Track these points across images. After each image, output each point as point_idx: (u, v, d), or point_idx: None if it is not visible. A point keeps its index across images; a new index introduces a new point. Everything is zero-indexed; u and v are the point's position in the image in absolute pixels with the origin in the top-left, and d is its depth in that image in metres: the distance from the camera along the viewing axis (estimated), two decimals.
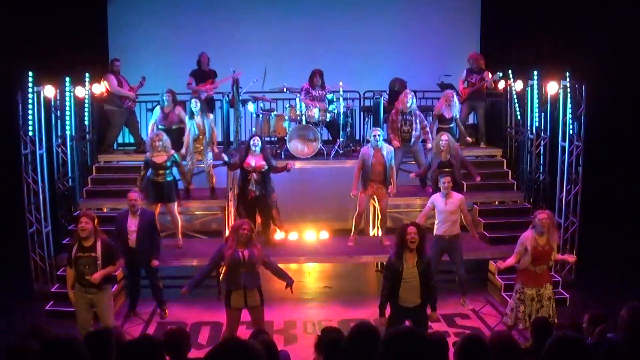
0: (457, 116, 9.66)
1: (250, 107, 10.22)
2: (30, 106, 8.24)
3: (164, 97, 9.28)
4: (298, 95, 9.88)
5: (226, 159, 8.43)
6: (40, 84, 8.42)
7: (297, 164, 9.49)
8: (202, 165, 9.24)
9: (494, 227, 9.07)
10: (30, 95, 8.24)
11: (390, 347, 2.77)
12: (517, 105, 9.95)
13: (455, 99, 9.57)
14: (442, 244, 7.75)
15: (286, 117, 9.78)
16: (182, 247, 8.72)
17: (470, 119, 10.77)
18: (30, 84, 8.23)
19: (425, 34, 11.91)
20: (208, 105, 9.81)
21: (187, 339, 4.49)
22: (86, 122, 9.81)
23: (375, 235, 9.47)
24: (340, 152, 9.86)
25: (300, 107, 9.67)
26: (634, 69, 10.67)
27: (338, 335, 4.02)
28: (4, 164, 9.37)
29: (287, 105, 10.39)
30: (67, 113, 9.17)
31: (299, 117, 9.63)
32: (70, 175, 9.28)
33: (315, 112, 9.61)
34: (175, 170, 8.52)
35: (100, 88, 9.96)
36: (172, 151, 8.41)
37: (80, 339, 3.05)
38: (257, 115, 9.98)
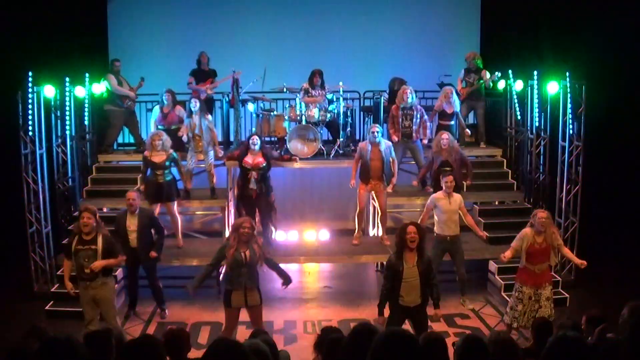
0: (459, 111, 9.64)
1: (250, 107, 10.23)
2: (30, 106, 8.25)
3: (164, 97, 9.28)
4: (298, 95, 9.89)
5: (221, 154, 8.48)
6: (40, 84, 8.43)
7: (297, 164, 9.50)
8: (203, 165, 9.25)
9: (494, 227, 9.07)
10: (30, 95, 8.24)
11: (380, 350, 2.78)
12: (517, 105, 9.95)
13: (455, 95, 9.57)
14: (444, 244, 7.74)
15: (286, 117, 9.79)
16: (182, 247, 8.72)
17: (470, 119, 10.77)
18: (30, 84, 8.23)
19: (425, 34, 11.91)
20: (208, 106, 9.82)
21: (187, 339, 4.49)
22: (86, 122, 9.81)
23: (376, 234, 9.46)
24: (340, 152, 9.86)
25: (300, 107, 9.68)
26: (634, 69, 10.67)
27: (338, 335, 4.02)
28: (4, 164, 9.37)
29: (287, 105, 10.40)
30: (67, 113, 9.17)
31: (299, 117, 9.63)
32: (70, 175, 9.28)
33: (315, 112, 9.61)
34: (175, 170, 8.53)
35: (100, 88, 9.97)
36: (171, 150, 8.41)
37: (78, 339, 3.04)
38: (257, 115, 9.98)
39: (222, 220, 9.67)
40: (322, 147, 9.62)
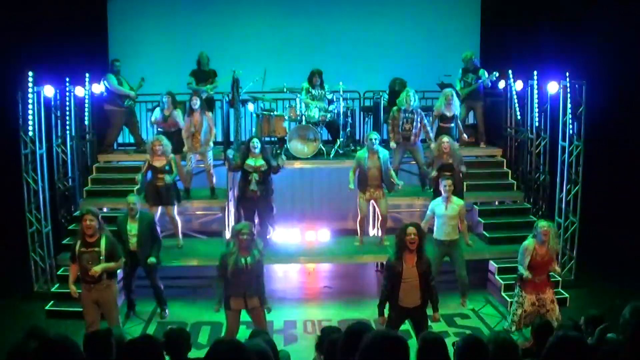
0: (458, 114, 9.64)
1: (250, 107, 10.23)
2: (30, 106, 8.25)
3: (164, 100, 9.26)
4: (298, 95, 9.89)
5: (230, 154, 8.45)
6: (40, 84, 8.43)
7: (297, 164, 9.50)
8: (203, 165, 9.25)
9: (494, 227, 9.07)
10: (30, 95, 8.24)
11: (366, 351, 2.79)
12: (517, 105, 9.95)
13: (455, 97, 9.57)
14: (442, 248, 7.74)
15: (286, 117, 9.79)
16: (182, 247, 8.73)
17: (469, 119, 10.77)
18: (30, 84, 8.23)
19: (425, 34, 11.90)
20: (208, 105, 9.82)
21: (187, 339, 4.49)
22: (86, 122, 9.81)
23: (376, 234, 9.47)
24: (340, 152, 9.86)
25: (300, 107, 9.68)
26: (634, 69, 10.67)
27: (338, 335, 4.01)
28: (4, 164, 9.37)
29: (287, 105, 10.40)
30: (67, 113, 9.17)
31: (299, 117, 9.63)
32: (70, 175, 9.29)
33: (315, 112, 9.61)
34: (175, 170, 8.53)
35: (100, 88, 9.96)
36: (171, 155, 8.40)
37: (74, 340, 3.04)
38: (257, 115, 9.98)
39: (222, 220, 9.67)
40: (322, 147, 9.62)
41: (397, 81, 10.25)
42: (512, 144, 10.22)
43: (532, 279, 6.59)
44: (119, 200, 8.75)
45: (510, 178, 9.93)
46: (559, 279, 8.38)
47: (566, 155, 9.01)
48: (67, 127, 9.18)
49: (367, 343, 2.83)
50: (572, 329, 4.33)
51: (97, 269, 6.16)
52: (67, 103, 9.16)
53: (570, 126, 8.93)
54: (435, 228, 7.78)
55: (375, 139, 8.39)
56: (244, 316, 6.36)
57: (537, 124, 9.47)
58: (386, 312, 6.18)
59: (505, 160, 10.21)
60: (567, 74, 8.90)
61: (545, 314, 6.56)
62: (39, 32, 10.43)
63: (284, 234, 9.48)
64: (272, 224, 8.74)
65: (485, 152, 10.47)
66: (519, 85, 9.85)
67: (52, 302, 7.90)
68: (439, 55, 11.46)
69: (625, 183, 10.93)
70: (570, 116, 8.90)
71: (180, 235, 8.78)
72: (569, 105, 8.88)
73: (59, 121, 9.03)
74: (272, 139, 10.05)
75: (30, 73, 8.24)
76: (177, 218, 8.72)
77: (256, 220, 8.46)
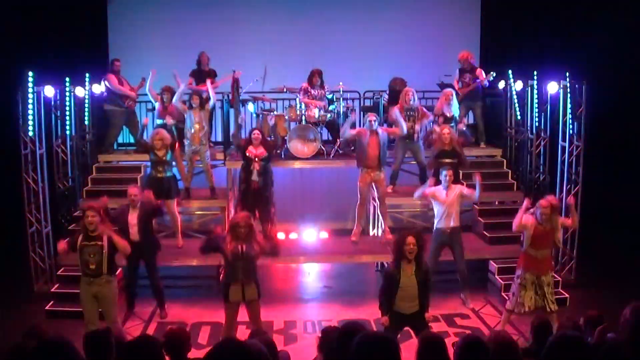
0: (457, 116, 9.65)
1: (250, 107, 10.23)
2: (30, 106, 8.25)
3: (163, 95, 9.29)
4: (298, 95, 9.89)
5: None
6: (40, 84, 8.42)
7: (297, 164, 9.50)
8: (201, 165, 9.25)
9: (494, 227, 9.08)
10: (30, 95, 8.24)
11: (356, 353, 2.79)
12: (517, 105, 9.95)
13: (454, 97, 9.58)
14: (442, 238, 7.76)
15: (286, 117, 9.79)
16: (182, 247, 8.72)
17: (469, 119, 10.76)
18: (30, 84, 8.23)
19: (425, 34, 11.90)
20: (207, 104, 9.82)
21: (187, 339, 4.49)
22: (86, 122, 9.81)
23: (376, 234, 9.47)
24: (340, 152, 9.87)
25: (300, 107, 9.68)
26: (633, 69, 10.67)
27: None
28: (4, 164, 9.37)
29: (287, 105, 10.40)
30: (67, 113, 9.17)
31: (299, 117, 9.64)
32: (70, 175, 9.28)
33: (315, 112, 9.61)
34: (175, 169, 8.54)
35: (100, 88, 9.96)
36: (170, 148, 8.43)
37: (73, 340, 3.04)
38: (257, 115, 9.98)
39: (222, 220, 9.67)
40: (322, 147, 9.63)
41: (398, 81, 10.24)
42: (512, 144, 10.21)
43: (534, 255, 6.66)
44: (119, 200, 8.73)
45: (510, 178, 9.92)
46: (559, 279, 8.39)
47: (566, 155, 9.01)
48: (67, 127, 9.18)
49: (356, 345, 2.83)
50: (572, 329, 4.33)
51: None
52: (67, 103, 9.16)
53: (570, 126, 8.93)
54: (435, 217, 7.82)
55: (375, 121, 8.45)
56: (244, 316, 6.37)
57: (537, 124, 9.47)
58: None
59: (505, 160, 10.21)
60: (567, 74, 8.90)
61: (542, 295, 6.62)
62: (39, 32, 10.43)
63: (284, 234, 9.49)
64: (272, 221, 8.77)
65: (485, 152, 10.46)
66: (518, 85, 9.85)
67: (52, 302, 7.89)
68: (439, 55, 11.46)
69: (625, 183, 10.93)
70: (570, 116, 8.90)
71: (180, 235, 8.78)
72: (569, 105, 8.88)
73: (59, 121, 9.03)
74: (272, 139, 10.04)
75: (30, 73, 8.24)
76: (178, 215, 8.72)
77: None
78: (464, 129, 9.74)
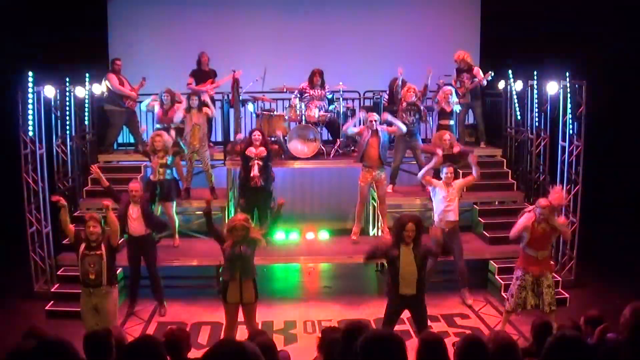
0: (457, 111, 9.65)
1: (250, 107, 10.23)
2: (30, 106, 8.25)
3: (163, 97, 9.28)
4: (297, 95, 9.89)
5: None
6: (40, 84, 8.42)
7: (297, 164, 9.50)
8: (201, 165, 9.25)
9: (494, 227, 9.07)
10: (30, 95, 8.24)
11: (364, 352, 2.79)
12: (517, 105, 9.95)
13: (454, 93, 9.57)
14: (441, 235, 7.77)
15: (286, 117, 9.79)
16: (179, 247, 8.76)
17: (469, 119, 10.76)
18: (30, 84, 8.23)
19: (425, 34, 11.90)
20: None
21: (187, 339, 4.50)
22: (86, 122, 9.81)
23: (376, 234, 9.47)
24: (340, 152, 9.87)
25: (300, 107, 9.68)
26: (634, 69, 10.67)
27: (339, 335, 4.02)
28: (4, 164, 9.37)
29: (287, 105, 10.40)
30: (67, 113, 9.17)
31: (299, 117, 9.64)
32: (70, 175, 9.28)
33: (315, 112, 9.61)
34: (175, 170, 8.55)
35: (101, 88, 9.96)
36: (172, 151, 8.42)
37: (70, 342, 3.04)
38: (257, 115, 9.98)
39: (221, 220, 9.66)
40: (322, 147, 9.63)
41: (397, 81, 10.24)
42: (512, 144, 10.22)
43: (534, 255, 6.65)
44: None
45: (510, 178, 9.93)
46: (559, 279, 8.38)
47: (566, 155, 9.01)
48: (67, 127, 9.18)
49: (363, 344, 2.83)
50: (572, 329, 4.33)
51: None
52: (67, 103, 9.16)
53: (570, 126, 8.93)
54: (434, 212, 7.86)
55: (375, 120, 8.46)
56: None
57: (537, 124, 9.47)
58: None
59: (505, 160, 10.21)
60: (567, 74, 8.90)
61: (541, 295, 6.61)
62: (39, 32, 10.43)
63: (284, 234, 9.49)
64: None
65: (485, 152, 10.46)
66: (518, 85, 9.85)
67: (52, 302, 7.89)
68: (439, 55, 11.45)
69: (625, 183, 10.93)
70: (570, 116, 8.90)
71: (176, 235, 8.82)
72: (569, 105, 8.88)
73: (59, 121, 9.02)
74: (272, 138, 10.05)
75: (30, 73, 8.24)
76: (176, 217, 8.74)
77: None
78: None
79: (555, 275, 8.19)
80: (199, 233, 9.95)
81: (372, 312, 7.80)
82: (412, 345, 2.99)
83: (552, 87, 9.04)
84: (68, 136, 9.21)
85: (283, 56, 11.40)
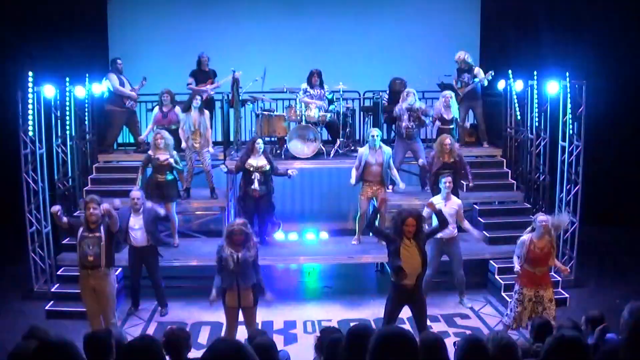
0: (457, 117, 9.65)
1: (250, 107, 10.23)
2: (30, 106, 8.24)
3: (163, 98, 9.28)
4: (297, 95, 9.89)
5: (225, 169, 8.50)
6: (40, 84, 8.42)
7: (297, 164, 9.50)
8: (201, 166, 9.25)
9: (494, 227, 9.07)
10: (30, 95, 8.23)
11: (377, 350, 2.78)
12: (517, 105, 9.95)
13: (454, 100, 9.57)
14: (440, 246, 7.76)
15: (286, 117, 9.79)
16: (178, 246, 8.78)
17: (469, 119, 10.77)
18: (30, 84, 8.22)
19: (425, 34, 11.90)
20: (208, 106, 9.83)
21: (187, 339, 4.49)
22: (86, 122, 9.81)
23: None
24: (340, 152, 9.87)
25: (300, 107, 9.68)
26: (634, 69, 10.67)
27: (338, 336, 4.02)
28: (4, 164, 9.37)
29: (287, 105, 10.40)
30: (67, 113, 9.17)
31: (299, 117, 9.63)
32: (70, 175, 9.28)
33: (315, 112, 9.61)
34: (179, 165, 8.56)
35: (101, 87, 9.96)
36: (173, 151, 8.42)
37: (73, 342, 3.03)
38: (257, 115, 9.98)
39: (221, 220, 9.66)
40: (322, 147, 9.63)
41: (397, 81, 10.25)
42: (512, 144, 10.21)
43: (532, 271, 6.61)
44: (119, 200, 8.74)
45: (510, 178, 9.92)
46: (559, 279, 8.39)
47: (566, 155, 9.01)
48: (67, 127, 9.17)
49: (376, 343, 2.81)
50: (572, 329, 4.33)
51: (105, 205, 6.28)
52: (67, 103, 9.15)
53: (570, 126, 8.93)
54: (433, 225, 7.79)
55: (376, 136, 8.40)
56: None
57: (537, 124, 9.47)
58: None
59: (505, 160, 10.21)
60: (567, 74, 8.90)
61: (542, 312, 6.57)
62: (39, 32, 10.43)
63: (284, 234, 9.48)
64: (274, 222, 8.78)
65: (485, 152, 10.46)
66: (518, 85, 9.85)
67: (52, 302, 7.89)
68: (439, 55, 11.45)
69: (625, 183, 10.94)
70: (570, 116, 8.90)
71: (176, 235, 8.82)
72: (569, 105, 8.88)
73: (59, 121, 9.02)
74: (272, 139, 10.05)
75: (30, 73, 8.23)
76: (176, 216, 8.74)
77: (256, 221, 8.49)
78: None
79: (555, 275, 8.19)
80: (199, 233, 9.96)
81: (372, 312, 7.80)
82: None
83: (552, 87, 9.04)
84: (68, 136, 9.21)
85: (283, 56, 11.39)
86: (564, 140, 9.07)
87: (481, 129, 10.48)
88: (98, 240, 6.27)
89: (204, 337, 7.19)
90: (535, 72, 9.45)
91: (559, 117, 9.07)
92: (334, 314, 7.88)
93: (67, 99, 9.15)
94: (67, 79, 9.16)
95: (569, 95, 8.86)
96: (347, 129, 10.07)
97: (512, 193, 9.81)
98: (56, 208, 6.37)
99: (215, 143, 10.40)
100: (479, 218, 9.31)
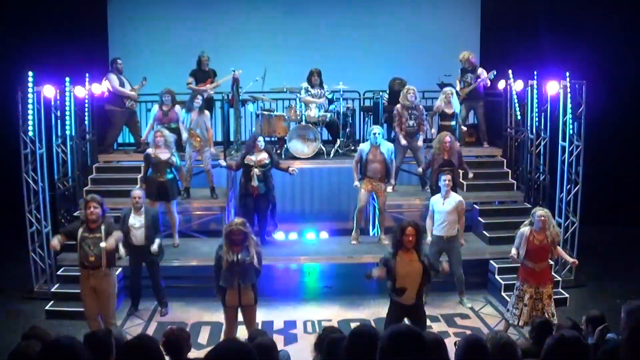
0: (459, 113, 9.65)
1: (250, 107, 10.23)
2: (30, 106, 8.24)
3: (164, 97, 9.29)
4: (297, 95, 9.89)
5: (224, 164, 8.48)
6: (40, 84, 8.42)
7: (297, 164, 9.50)
8: (202, 165, 9.26)
9: (494, 227, 9.07)
10: (30, 95, 8.23)
11: (389, 344, 2.78)
12: (517, 105, 9.95)
13: (455, 95, 9.58)
14: (440, 244, 7.77)
15: (286, 117, 9.79)
16: (179, 246, 8.77)
17: (470, 119, 10.77)
18: (30, 84, 8.22)
19: (426, 34, 11.91)
20: (208, 106, 9.83)
21: (187, 339, 4.49)
22: (86, 122, 9.81)
23: (376, 234, 9.46)
24: (340, 152, 9.87)
25: (300, 107, 9.68)
26: (634, 69, 10.67)
27: (338, 335, 4.02)
28: (4, 164, 9.37)
29: (287, 105, 10.39)
30: (67, 113, 9.16)
31: (299, 117, 9.63)
32: (70, 175, 9.28)
33: (315, 112, 9.61)
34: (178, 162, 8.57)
35: (101, 87, 9.96)
36: (174, 149, 8.42)
37: (80, 341, 3.03)
38: (257, 115, 9.98)
39: (221, 220, 9.66)
40: (322, 147, 9.63)
41: (397, 81, 10.25)
42: (512, 144, 10.22)
43: (532, 267, 6.62)
44: (119, 200, 8.75)
45: (510, 178, 9.93)
46: (559, 278, 8.39)
47: (566, 155, 9.01)
48: (67, 127, 9.17)
49: (388, 341, 2.80)
50: (572, 329, 4.33)
51: (111, 242, 6.26)
52: (67, 103, 9.16)
53: (570, 126, 8.93)
54: (433, 224, 7.81)
55: (377, 134, 8.41)
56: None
57: (537, 124, 9.47)
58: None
59: (505, 160, 10.21)
60: (567, 74, 8.90)
61: (542, 309, 6.58)
62: (39, 32, 10.43)
63: (284, 234, 9.48)
64: (275, 222, 8.77)
65: (485, 152, 10.47)
66: (519, 85, 9.85)
67: (52, 302, 7.89)
68: (439, 55, 11.46)
69: (625, 183, 10.94)
70: (570, 116, 8.90)
71: (176, 234, 8.82)
72: (569, 105, 8.88)
73: (59, 121, 9.02)
74: (272, 139, 10.05)
75: (30, 73, 8.23)
76: (177, 215, 8.73)
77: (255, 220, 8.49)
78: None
79: (555, 275, 8.20)
80: (199, 233, 9.96)
81: (372, 312, 7.80)
82: None
83: (552, 87, 9.03)
84: (68, 136, 9.20)
85: (283, 56, 11.40)
86: (564, 140, 9.07)
87: (482, 129, 10.48)
88: (99, 241, 6.26)
89: (204, 337, 7.18)
90: (535, 72, 9.45)
91: (559, 117, 9.07)
92: (334, 314, 7.89)
93: (67, 99, 9.15)
94: (67, 79, 9.16)
95: (569, 95, 8.86)
96: (347, 129, 10.08)
97: (512, 193, 9.82)
98: (56, 247, 6.43)
99: (215, 143, 10.41)
100: (479, 218, 9.31)
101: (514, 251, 6.78)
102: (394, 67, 11.11)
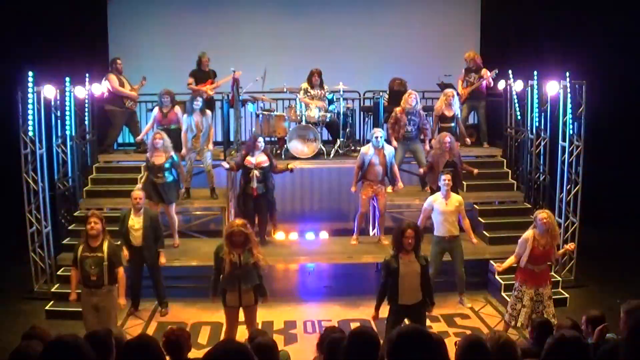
0: (459, 114, 9.66)
1: (250, 107, 10.23)
2: (30, 106, 8.24)
3: (163, 98, 9.29)
4: (297, 95, 9.89)
5: (227, 166, 8.48)
6: (40, 84, 8.42)
7: (297, 164, 9.50)
8: (202, 165, 9.26)
9: (494, 227, 9.07)
10: (30, 95, 8.23)
11: (397, 345, 2.78)
12: (517, 105, 9.96)
13: (456, 97, 9.58)
14: (443, 244, 7.77)
15: (286, 117, 9.79)
16: (178, 247, 8.77)
17: (471, 119, 10.77)
18: (30, 84, 8.22)
19: (426, 34, 11.91)
20: (208, 105, 9.83)
21: (187, 339, 4.49)
22: (86, 122, 9.81)
23: (375, 234, 9.47)
24: (340, 152, 9.87)
25: (300, 107, 9.68)
26: (634, 69, 10.67)
27: (339, 335, 4.02)
28: (4, 164, 9.37)
29: (287, 105, 10.39)
30: (67, 113, 9.17)
31: (299, 117, 9.63)
32: (70, 175, 9.28)
33: (315, 112, 9.61)
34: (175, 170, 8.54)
35: (101, 88, 9.96)
36: (172, 152, 8.42)
37: (82, 338, 3.03)
38: (257, 115, 9.98)
39: (221, 220, 9.67)
40: (322, 147, 9.63)
41: (397, 81, 10.25)
42: (512, 144, 10.22)
43: (532, 269, 6.62)
44: (119, 200, 8.76)
45: (510, 178, 9.93)
46: (559, 279, 8.39)
47: (566, 155, 9.01)
48: (67, 127, 9.18)
49: (396, 341, 2.80)
50: (572, 329, 4.33)
51: (122, 301, 6.42)
52: (67, 103, 9.16)
53: (570, 126, 8.93)
54: (435, 225, 7.80)
55: (380, 137, 8.41)
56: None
57: (537, 124, 9.47)
58: (381, 312, 6.19)
59: (505, 160, 10.21)
60: (567, 74, 8.90)
61: (543, 310, 6.57)
62: (39, 32, 10.43)
63: (284, 234, 9.48)
64: (275, 224, 8.77)
65: (485, 152, 10.47)
66: (519, 85, 9.85)
67: (52, 302, 7.89)
68: (439, 55, 11.47)
69: (625, 183, 10.93)
70: (570, 116, 8.90)
71: (176, 235, 8.82)
72: (569, 105, 8.88)
73: (59, 121, 9.02)
74: (272, 139, 10.05)
75: (30, 73, 8.23)
76: (176, 217, 8.74)
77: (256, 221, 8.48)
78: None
79: (555, 275, 8.20)
80: (199, 233, 9.96)
81: (372, 312, 7.78)
82: None
83: (552, 87, 9.04)
84: (68, 136, 9.21)
85: (283, 56, 11.41)
86: (564, 140, 9.07)
87: (482, 129, 10.48)
88: (100, 260, 6.20)
89: (204, 337, 7.18)
90: (535, 72, 9.46)
91: (559, 117, 9.07)
92: (334, 314, 7.89)
93: (67, 99, 9.15)
94: (67, 79, 9.16)
95: (569, 95, 8.86)
96: (347, 129, 10.07)
97: (512, 193, 9.82)
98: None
99: (215, 143, 10.42)
100: (479, 218, 9.31)
101: (510, 260, 6.76)
102: (394, 67, 11.12)
